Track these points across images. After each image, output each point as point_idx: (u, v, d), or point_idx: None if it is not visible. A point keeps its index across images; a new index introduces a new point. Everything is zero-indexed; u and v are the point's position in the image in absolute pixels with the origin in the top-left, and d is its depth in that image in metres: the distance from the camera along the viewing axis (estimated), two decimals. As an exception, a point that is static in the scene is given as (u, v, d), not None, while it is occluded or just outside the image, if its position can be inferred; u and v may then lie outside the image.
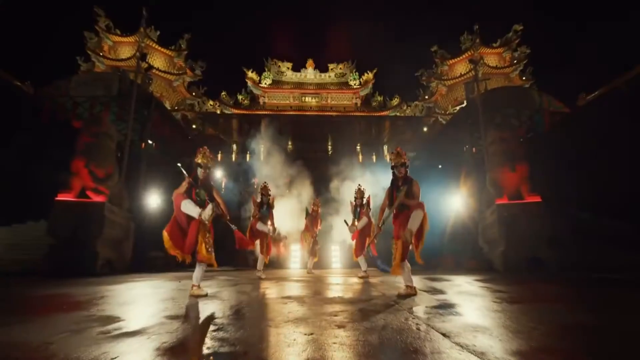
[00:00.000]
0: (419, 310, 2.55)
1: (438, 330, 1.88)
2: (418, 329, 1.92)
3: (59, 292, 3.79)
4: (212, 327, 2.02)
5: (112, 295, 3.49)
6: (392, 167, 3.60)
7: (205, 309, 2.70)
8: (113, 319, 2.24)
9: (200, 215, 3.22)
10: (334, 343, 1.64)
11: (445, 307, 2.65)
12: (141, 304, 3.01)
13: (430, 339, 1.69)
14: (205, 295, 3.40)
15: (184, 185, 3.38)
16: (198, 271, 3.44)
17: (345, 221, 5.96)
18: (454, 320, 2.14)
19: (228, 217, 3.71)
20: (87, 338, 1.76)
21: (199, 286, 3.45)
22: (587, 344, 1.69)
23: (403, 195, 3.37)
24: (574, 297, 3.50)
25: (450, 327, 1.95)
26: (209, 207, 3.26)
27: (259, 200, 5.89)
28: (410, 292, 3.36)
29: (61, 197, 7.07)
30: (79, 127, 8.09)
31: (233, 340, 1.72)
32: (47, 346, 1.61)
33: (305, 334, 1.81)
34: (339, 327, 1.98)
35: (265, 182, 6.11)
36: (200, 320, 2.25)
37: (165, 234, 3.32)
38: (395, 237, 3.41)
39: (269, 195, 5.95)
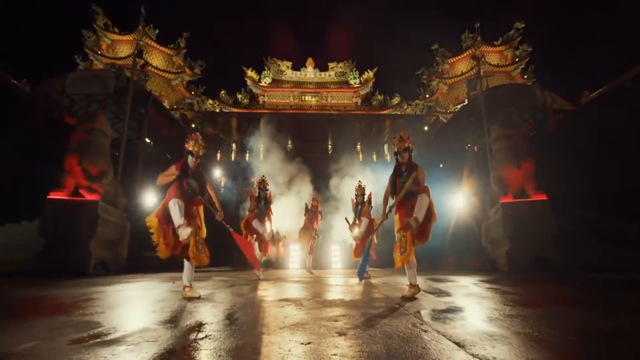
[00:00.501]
0: (426, 314, 2.35)
1: (450, 338, 1.68)
2: (428, 337, 1.73)
3: (44, 294, 3.60)
4: (200, 335, 1.83)
5: (100, 298, 3.29)
6: (395, 153, 3.42)
7: (196, 313, 2.51)
8: (92, 325, 2.05)
9: (178, 228, 2.99)
10: (334, 355, 1.45)
11: (454, 311, 2.46)
12: (128, 307, 2.82)
13: (443, 350, 1.50)
14: (198, 298, 3.22)
15: (172, 173, 3.14)
16: (188, 270, 3.24)
17: (346, 219, 5.77)
18: (466, 327, 1.95)
19: (222, 215, 3.52)
20: (56, 348, 1.56)
21: (190, 286, 3.25)
22: (617, 354, 1.50)
23: (410, 183, 3.18)
24: (589, 300, 3.30)
25: (463, 334, 1.76)
26: (189, 230, 2.99)
27: (256, 194, 5.68)
28: (415, 292, 3.19)
29: (53, 196, 6.88)
30: (72, 124, 7.89)
31: (221, 350, 1.53)
32: (8, 357, 1.42)
33: (302, 343, 1.62)
34: (340, 334, 1.79)
35: (263, 176, 5.88)
36: (188, 327, 2.05)
37: (154, 219, 3.12)
38: (403, 228, 3.21)
39: (267, 189, 5.75)
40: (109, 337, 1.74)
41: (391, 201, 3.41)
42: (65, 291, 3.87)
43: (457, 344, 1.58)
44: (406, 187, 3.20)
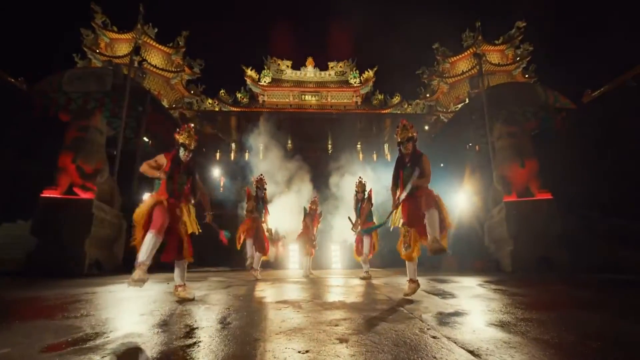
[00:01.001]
0: (433, 318, 2.20)
1: (463, 346, 1.53)
2: (438, 344, 1.57)
3: (32, 295, 3.45)
4: (189, 341, 1.68)
5: (89, 300, 3.14)
6: (399, 144, 3.19)
7: (187, 316, 2.36)
8: (73, 330, 1.89)
9: (138, 265, 2.59)
10: (335, 365, 1.30)
11: (463, 315, 2.31)
12: (116, 310, 2.66)
13: None
14: (192, 299, 3.08)
15: (159, 165, 2.88)
16: (181, 270, 3.10)
17: (349, 218, 5.60)
18: (478, 332, 1.80)
19: (211, 213, 3.33)
20: (27, 355, 1.41)
21: (184, 286, 3.11)
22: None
23: (415, 177, 2.97)
24: (602, 302, 3.14)
25: (475, 341, 1.61)
26: (144, 278, 2.54)
27: (254, 193, 5.48)
28: (415, 288, 3.10)
29: (46, 194, 6.72)
30: (66, 120, 7.74)
31: None
32: (-30, 369, 1.27)
33: (300, 352, 1.47)
34: (341, 341, 1.64)
35: (261, 175, 5.69)
36: (178, 332, 1.90)
37: (142, 217, 2.82)
38: (408, 224, 3.04)
39: (265, 188, 5.57)
40: (88, 344, 1.59)
41: (399, 193, 3.20)
42: (55, 292, 3.72)
43: (472, 352, 1.43)
44: (410, 182, 3.00)
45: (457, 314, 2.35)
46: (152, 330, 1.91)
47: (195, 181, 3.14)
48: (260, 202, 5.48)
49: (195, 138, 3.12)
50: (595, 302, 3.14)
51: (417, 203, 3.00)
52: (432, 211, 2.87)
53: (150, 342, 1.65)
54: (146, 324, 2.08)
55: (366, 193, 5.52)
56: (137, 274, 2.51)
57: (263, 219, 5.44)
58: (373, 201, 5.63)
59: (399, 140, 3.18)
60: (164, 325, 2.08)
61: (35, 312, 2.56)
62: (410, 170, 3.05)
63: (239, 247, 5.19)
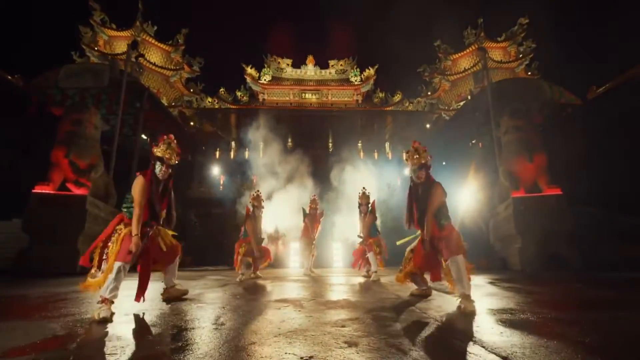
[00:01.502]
0: (450, 318, 1.98)
1: (493, 350, 1.31)
2: (464, 348, 1.35)
3: (16, 294, 3.25)
4: (176, 344, 1.47)
5: (75, 298, 2.93)
6: (410, 171, 2.77)
7: (178, 316, 2.14)
8: (47, 331, 1.68)
9: (102, 300, 2.09)
10: (346, 375, 1.08)
11: (481, 314, 2.08)
12: (101, 309, 2.44)
13: (490, 368, 1.13)
14: (183, 298, 2.91)
15: (143, 194, 2.33)
16: (172, 270, 2.90)
17: (359, 236, 5.34)
18: (506, 334, 1.58)
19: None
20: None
21: (174, 287, 2.92)
22: None
23: (431, 219, 2.59)
24: (629, 301, 2.92)
25: (506, 345, 1.39)
26: (109, 312, 2.02)
27: (251, 210, 5.15)
28: (420, 292, 2.98)
29: (38, 190, 6.50)
30: (59, 114, 7.54)
31: (195, 367, 1.17)
32: None
33: (302, 358, 1.25)
34: (349, 344, 1.42)
35: (258, 191, 5.38)
36: (163, 335, 1.69)
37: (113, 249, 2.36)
38: (414, 260, 2.81)
39: (262, 207, 5.29)
40: (53, 350, 1.37)
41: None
42: (41, 290, 3.51)
43: (506, 358, 1.21)
44: (429, 223, 2.64)
45: (474, 313, 2.13)
46: (134, 333, 1.70)
47: (170, 205, 2.64)
48: (259, 222, 5.20)
49: (177, 151, 2.56)
50: (619, 300, 2.92)
51: (436, 246, 2.70)
52: (457, 259, 2.48)
53: (129, 347, 1.43)
54: (130, 325, 1.87)
55: (369, 206, 5.21)
56: (102, 311, 2.00)
57: (259, 239, 5.16)
58: (376, 213, 5.35)
59: (410, 167, 2.75)
60: (151, 326, 1.86)
61: (13, 312, 2.35)
62: (424, 203, 2.67)
63: (238, 270, 4.91)
